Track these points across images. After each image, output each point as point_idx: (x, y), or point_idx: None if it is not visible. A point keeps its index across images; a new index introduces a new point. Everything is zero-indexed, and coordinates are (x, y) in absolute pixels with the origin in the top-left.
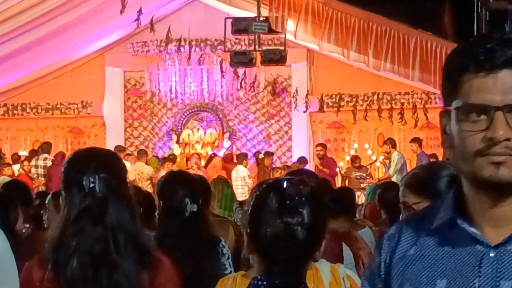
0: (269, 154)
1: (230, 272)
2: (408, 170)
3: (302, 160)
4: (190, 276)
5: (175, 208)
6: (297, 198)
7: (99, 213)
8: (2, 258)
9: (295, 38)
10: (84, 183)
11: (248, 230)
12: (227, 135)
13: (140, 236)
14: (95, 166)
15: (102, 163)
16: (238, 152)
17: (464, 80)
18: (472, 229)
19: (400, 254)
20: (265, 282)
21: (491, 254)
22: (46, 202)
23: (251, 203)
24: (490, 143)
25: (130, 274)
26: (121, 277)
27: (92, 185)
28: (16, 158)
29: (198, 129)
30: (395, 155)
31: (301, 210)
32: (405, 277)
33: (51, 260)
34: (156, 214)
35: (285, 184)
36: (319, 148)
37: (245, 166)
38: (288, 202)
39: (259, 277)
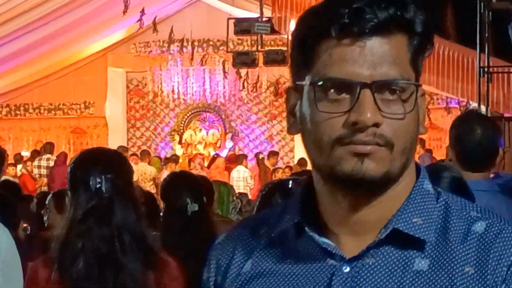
0: (273, 154)
1: None
2: None
3: (302, 161)
4: (193, 276)
5: (178, 208)
6: None
7: (105, 214)
8: (8, 255)
9: None
10: (90, 183)
11: None
12: (229, 135)
13: (146, 236)
14: (101, 167)
15: (109, 163)
16: (241, 152)
17: (323, 48)
18: (323, 239)
19: (235, 271)
20: None
21: (345, 270)
22: (47, 202)
23: (257, 203)
24: (353, 128)
25: (136, 274)
26: (127, 277)
27: (98, 185)
28: (18, 158)
29: (201, 129)
30: None
31: None
32: None
33: (57, 260)
34: (160, 214)
35: (290, 184)
36: None
37: (246, 167)
38: None
39: None
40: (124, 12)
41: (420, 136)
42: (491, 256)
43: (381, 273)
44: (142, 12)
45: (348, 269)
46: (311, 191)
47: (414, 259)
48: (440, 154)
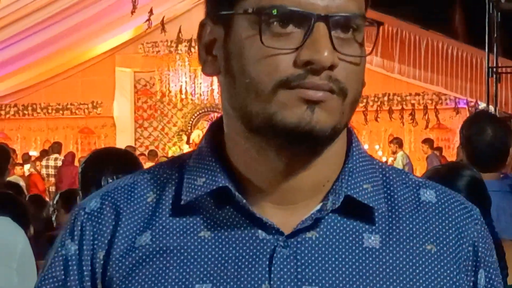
0: None
1: None
2: (416, 171)
3: None
4: None
5: None
6: None
7: None
8: (24, 255)
9: None
10: (102, 183)
11: None
12: None
13: None
14: (113, 167)
15: (120, 163)
16: None
17: None
18: (254, 209)
19: (125, 244)
20: None
21: (284, 247)
22: (55, 202)
23: None
24: (306, 69)
25: None
26: None
27: None
28: (26, 158)
29: None
30: (399, 156)
31: None
32: (137, 282)
33: None
34: None
35: None
36: None
37: None
38: None
39: None
40: (132, 12)
41: (428, 136)
42: (450, 231)
43: (327, 250)
44: (150, 12)
45: (287, 246)
46: (222, 148)
47: (362, 234)
48: (448, 155)
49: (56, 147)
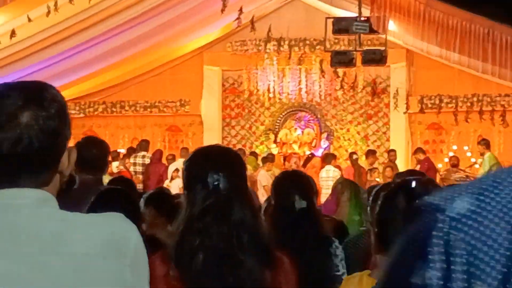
0: (371, 153)
1: (343, 274)
2: None
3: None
4: (301, 275)
5: (286, 205)
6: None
7: (224, 211)
8: (137, 252)
9: (396, 39)
10: (208, 180)
11: (376, 230)
12: (324, 135)
13: (263, 234)
14: (218, 164)
15: (225, 161)
16: (336, 152)
17: None
18: None
19: None
20: None
21: None
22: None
23: (379, 204)
24: None
25: (254, 272)
26: (245, 274)
27: (216, 182)
28: (115, 155)
29: (296, 128)
30: (486, 157)
31: None
32: None
33: (174, 257)
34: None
35: (413, 184)
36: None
37: (335, 166)
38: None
39: None
40: (222, 10)
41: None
42: None
43: None
44: (240, 10)
45: None
46: None
47: None
48: None
49: (143, 145)
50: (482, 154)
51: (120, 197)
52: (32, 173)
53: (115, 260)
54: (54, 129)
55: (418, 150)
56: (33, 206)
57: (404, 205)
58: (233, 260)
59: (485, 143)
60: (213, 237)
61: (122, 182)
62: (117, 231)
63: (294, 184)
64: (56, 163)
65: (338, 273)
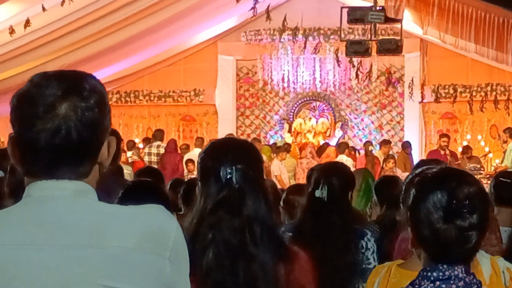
0: (386, 143)
1: (374, 267)
2: None
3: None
4: (332, 267)
5: (311, 195)
6: (467, 199)
7: (237, 205)
8: (177, 243)
9: (411, 29)
10: (221, 173)
11: (411, 224)
12: (339, 124)
13: (276, 228)
14: (232, 157)
15: (240, 154)
16: (351, 142)
17: None
18: None
19: None
20: (434, 274)
21: None
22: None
23: (412, 196)
24: None
25: (267, 266)
26: (258, 268)
27: (229, 176)
28: (131, 145)
29: (310, 118)
30: (510, 146)
31: (472, 211)
32: None
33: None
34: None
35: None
36: (444, 139)
37: (348, 156)
38: (457, 202)
39: (428, 268)
40: (237, 0)
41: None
42: None
43: None
44: (256, 0)
45: None
46: None
47: None
48: None
49: (158, 134)
50: (505, 142)
51: (150, 189)
52: (70, 164)
53: (153, 253)
54: (93, 120)
55: (444, 135)
56: (71, 197)
57: (444, 205)
58: (245, 254)
59: (510, 132)
60: (225, 231)
61: (151, 174)
62: (156, 224)
63: (338, 176)
64: (96, 154)
65: (369, 266)
